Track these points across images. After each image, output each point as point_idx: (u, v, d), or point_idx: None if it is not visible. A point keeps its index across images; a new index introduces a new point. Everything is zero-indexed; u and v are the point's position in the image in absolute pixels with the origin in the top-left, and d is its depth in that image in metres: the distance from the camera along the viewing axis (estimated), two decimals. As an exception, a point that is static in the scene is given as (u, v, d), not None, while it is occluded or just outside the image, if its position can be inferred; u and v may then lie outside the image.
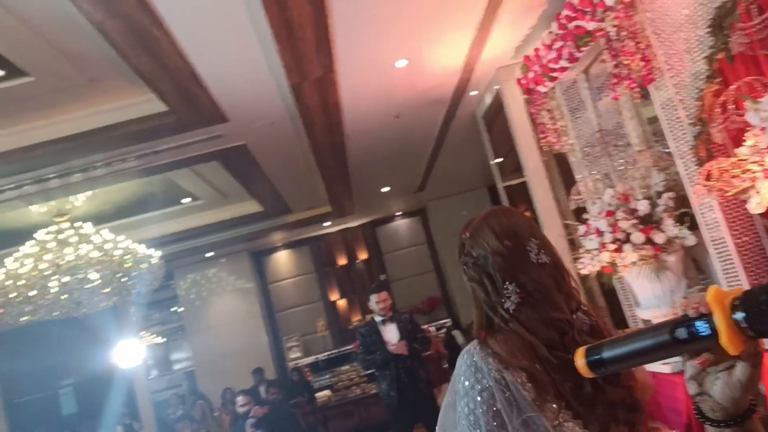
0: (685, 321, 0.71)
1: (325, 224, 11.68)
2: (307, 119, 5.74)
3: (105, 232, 7.14)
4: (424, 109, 6.47)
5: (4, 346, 11.40)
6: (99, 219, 7.43)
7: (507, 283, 1.53)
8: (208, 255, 11.42)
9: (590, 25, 3.96)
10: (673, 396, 3.59)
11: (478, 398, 1.43)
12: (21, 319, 6.90)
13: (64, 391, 12.02)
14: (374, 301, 6.11)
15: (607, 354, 0.79)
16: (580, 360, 0.83)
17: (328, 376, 11.33)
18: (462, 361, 1.51)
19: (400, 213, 12.87)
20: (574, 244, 4.74)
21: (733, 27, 2.97)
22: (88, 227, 7.08)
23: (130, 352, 6.74)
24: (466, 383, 1.47)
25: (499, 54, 5.36)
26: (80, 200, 7.26)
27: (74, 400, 11.90)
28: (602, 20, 3.73)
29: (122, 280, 7.32)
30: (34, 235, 6.76)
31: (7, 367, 11.21)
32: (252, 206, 9.09)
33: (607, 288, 4.79)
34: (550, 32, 4.51)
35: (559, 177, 5.79)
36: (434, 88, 5.91)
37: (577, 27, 4.06)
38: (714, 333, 0.69)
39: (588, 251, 3.89)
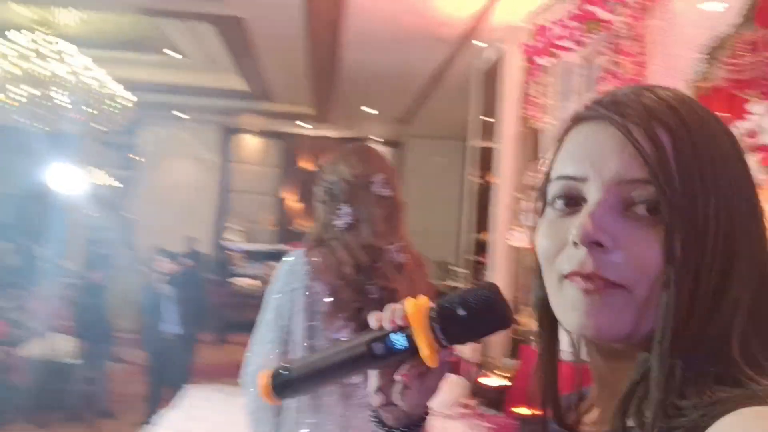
0: (382, 335, 0.69)
1: (303, 125, 11.62)
2: (311, 11, 5.66)
3: (86, 58, 7.02)
4: (427, 42, 6.41)
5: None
6: (77, 42, 7.25)
7: (343, 205, 1.78)
8: (180, 115, 11.29)
9: (603, 14, 3.96)
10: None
11: (285, 297, 1.70)
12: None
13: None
14: None
15: (295, 372, 0.70)
16: (263, 382, 0.71)
17: (261, 269, 11.49)
18: (282, 265, 1.77)
19: (381, 140, 12.85)
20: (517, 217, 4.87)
21: (724, 60, 3.02)
22: (70, 47, 6.95)
23: (69, 179, 6.73)
24: (278, 283, 1.74)
25: (513, 12, 5.31)
26: (66, 18, 7.08)
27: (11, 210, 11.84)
28: (613, 12, 3.73)
29: (89, 110, 7.27)
30: (7, 33, 6.57)
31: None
32: (236, 82, 8.98)
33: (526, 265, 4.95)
34: (568, 10, 4.49)
35: (531, 152, 5.86)
36: (443, 24, 5.85)
37: (590, 12, 4.05)
38: (411, 346, 0.68)
39: (520, 226, 4.01)
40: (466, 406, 3.88)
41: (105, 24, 7.36)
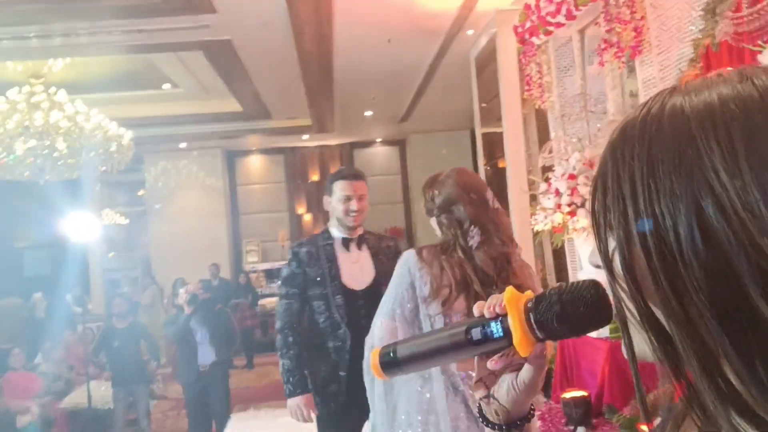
0: (481, 322, 0.71)
1: (303, 137, 11.62)
2: (297, 26, 5.63)
3: (79, 103, 7.04)
4: (418, 39, 6.38)
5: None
6: (75, 88, 7.28)
7: (472, 227, 2.06)
8: (181, 146, 11.32)
9: (593, -15, 3.91)
10: (594, 359, 3.76)
11: (399, 277, 2.15)
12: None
13: (28, 253, 12.12)
14: (340, 194, 3.07)
15: (401, 353, 0.74)
16: (374, 360, 0.76)
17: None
18: (401, 257, 2.23)
19: (380, 140, 12.84)
20: (534, 200, 4.83)
21: (727, 14, 2.96)
22: (62, 95, 6.96)
23: (84, 226, 6.75)
24: (397, 269, 2.19)
25: (500, -3, 5.28)
26: (59, 65, 7.10)
27: (41, 262, 12.01)
28: (604, -19, 3.68)
29: (90, 154, 7.28)
30: (7, 93, 6.63)
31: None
32: (232, 104, 8.98)
33: (555, 247, 4.91)
34: (555, -16, 4.44)
35: (536, 133, 5.82)
36: (431, 18, 5.81)
37: (579, -16, 4.00)
38: (507, 334, 0.69)
39: (544, 209, 3.97)
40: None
41: (98, 66, 7.37)
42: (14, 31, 5.62)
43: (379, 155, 12.97)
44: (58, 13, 5.26)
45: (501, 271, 2.09)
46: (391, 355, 0.74)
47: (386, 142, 12.86)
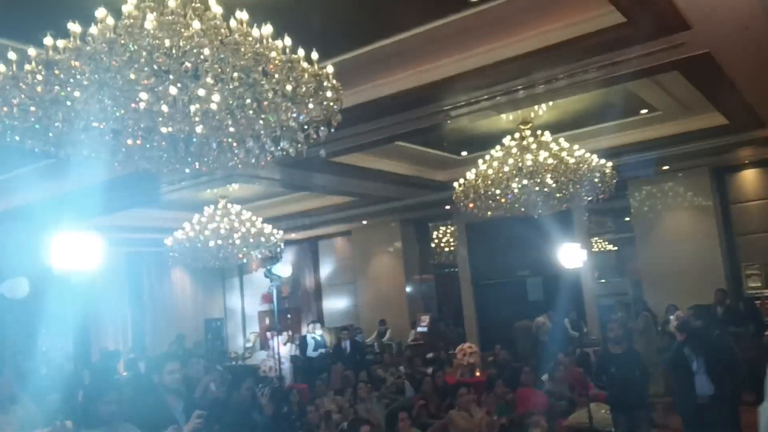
0: None
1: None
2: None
3: (562, 140, 7.62)
4: None
5: (476, 237, 13.33)
6: (558, 128, 7.93)
7: None
8: (664, 168, 11.07)
9: None
10: None
11: None
12: (487, 214, 7.97)
13: (530, 280, 13.54)
14: None
15: None
16: None
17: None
18: None
19: None
20: None
21: None
22: (546, 135, 7.66)
23: (574, 254, 7.20)
24: None
25: None
26: (543, 109, 7.84)
27: (539, 288, 13.31)
28: None
29: (575, 187, 7.76)
30: (503, 141, 7.63)
31: (477, 253, 13.16)
32: (716, 118, 8.43)
33: None
34: None
35: None
36: None
37: None
38: None
39: None
40: None
41: (578, 104, 7.87)
42: (505, 87, 6.41)
43: None
44: (540, 64, 5.82)
45: None
46: None
47: None
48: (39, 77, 3.17)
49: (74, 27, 3.16)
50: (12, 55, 3.23)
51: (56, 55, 3.15)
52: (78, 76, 3.08)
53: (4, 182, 8.56)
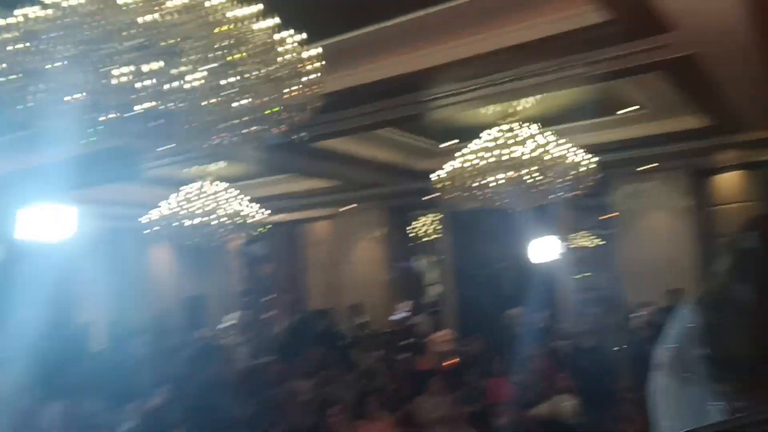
0: None
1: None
2: (763, 29, 5.07)
3: (547, 135, 7.65)
4: None
5: (460, 227, 13.40)
6: (541, 123, 7.95)
7: None
8: (646, 167, 11.09)
9: None
10: None
11: None
12: (467, 206, 8.02)
13: (508, 272, 13.56)
14: None
15: None
16: None
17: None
18: None
19: None
20: None
21: None
22: (532, 129, 7.68)
23: (551, 248, 7.27)
24: None
25: None
26: (528, 103, 7.85)
27: (516, 281, 13.33)
28: None
29: (556, 182, 7.82)
30: (482, 133, 7.63)
31: (459, 243, 13.21)
32: (698, 120, 8.51)
33: None
34: None
35: None
36: None
37: None
38: None
39: None
40: None
41: (563, 99, 7.89)
42: (490, 79, 6.41)
43: None
44: (525, 57, 5.82)
45: None
46: None
47: None
48: (18, 46, 3.14)
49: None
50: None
51: (35, 26, 3.12)
52: (57, 47, 3.06)
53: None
